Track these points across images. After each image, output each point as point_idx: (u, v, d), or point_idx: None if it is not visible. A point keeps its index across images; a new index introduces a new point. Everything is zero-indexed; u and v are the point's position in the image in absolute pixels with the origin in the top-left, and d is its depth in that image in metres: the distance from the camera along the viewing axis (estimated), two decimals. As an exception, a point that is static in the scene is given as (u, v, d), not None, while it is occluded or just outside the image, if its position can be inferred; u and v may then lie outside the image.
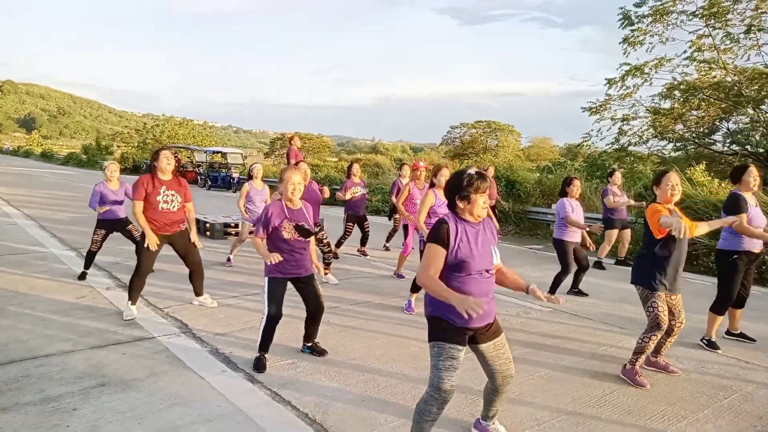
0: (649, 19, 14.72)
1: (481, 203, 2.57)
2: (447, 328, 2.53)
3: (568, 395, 3.58)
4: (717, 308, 4.70)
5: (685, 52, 13.89)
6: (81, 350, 3.97)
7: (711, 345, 4.70)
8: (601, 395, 3.61)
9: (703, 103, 14.98)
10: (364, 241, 8.40)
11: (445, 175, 5.40)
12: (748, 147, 12.80)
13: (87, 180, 22.70)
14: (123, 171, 4.56)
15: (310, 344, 4.11)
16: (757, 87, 12.42)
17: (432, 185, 5.57)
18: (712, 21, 13.16)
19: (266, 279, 3.83)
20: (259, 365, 3.75)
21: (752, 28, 12.34)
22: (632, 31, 14.63)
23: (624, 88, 15.76)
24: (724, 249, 4.70)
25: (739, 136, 13.40)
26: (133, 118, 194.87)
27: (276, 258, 3.61)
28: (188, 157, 28.27)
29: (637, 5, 14.77)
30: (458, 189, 2.58)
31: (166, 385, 3.45)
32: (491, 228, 2.70)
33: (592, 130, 16.42)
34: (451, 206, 2.63)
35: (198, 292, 5.24)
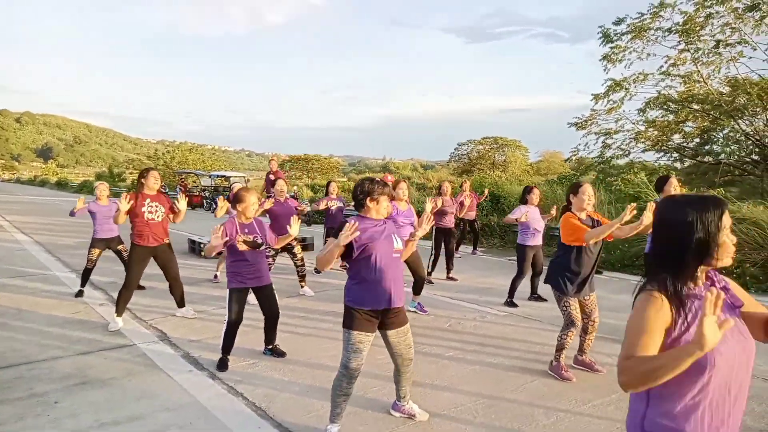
0: (629, 36, 15.24)
1: (385, 204, 3.12)
2: (357, 317, 3.03)
3: (491, 385, 4.04)
4: None
5: (661, 67, 14.37)
6: (69, 356, 4.51)
7: None
8: (521, 384, 4.07)
9: (690, 116, 15.43)
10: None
11: (403, 188, 5.98)
12: (722, 157, 13.22)
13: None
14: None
15: (270, 347, 4.62)
16: (730, 99, 12.85)
17: (391, 198, 6.06)
18: (685, 37, 13.66)
19: (228, 290, 4.35)
20: (222, 365, 4.26)
21: (720, 43, 12.82)
22: (611, 48, 15.16)
23: (609, 102, 16.26)
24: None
25: (714, 146, 13.83)
26: (147, 145, 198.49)
27: (221, 233, 4.09)
28: (194, 182, 29.09)
29: (615, 23, 15.32)
30: (371, 192, 3.13)
31: (138, 383, 3.97)
32: (392, 223, 3.25)
33: (579, 144, 16.90)
34: (360, 207, 3.15)
35: (179, 304, 5.78)
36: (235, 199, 4.46)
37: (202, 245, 10.25)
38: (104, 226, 6.64)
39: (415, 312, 6.01)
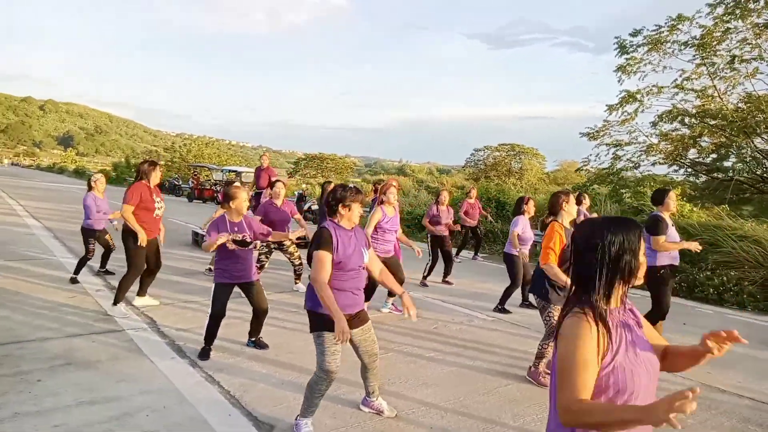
0: (645, 48, 15.15)
1: (357, 211, 3.15)
2: (328, 320, 3.05)
3: (465, 387, 4.08)
4: (653, 320, 5.08)
5: (675, 80, 14.27)
6: (58, 338, 4.64)
7: None
8: (495, 387, 4.11)
9: (706, 131, 15.28)
10: None
11: (393, 192, 5.93)
12: (731, 173, 13.11)
13: (114, 197, 23.85)
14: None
15: (253, 339, 4.71)
16: (745, 116, 12.72)
17: (381, 202, 6.03)
18: (702, 51, 13.56)
19: (214, 284, 4.45)
20: (204, 354, 4.36)
21: (735, 59, 12.71)
22: (626, 59, 15.07)
23: (624, 114, 16.15)
24: (651, 266, 5.13)
25: (725, 163, 13.72)
26: (167, 137, 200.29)
27: (224, 237, 4.25)
28: (206, 176, 29.41)
29: (632, 35, 15.24)
30: (343, 199, 3.16)
31: (121, 367, 4.08)
32: (361, 233, 3.26)
33: (590, 155, 16.81)
34: (332, 213, 3.19)
35: (145, 293, 5.90)
36: (227, 197, 4.55)
37: (205, 238, 10.39)
38: (102, 216, 6.92)
39: (390, 312, 6.11)
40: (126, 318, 5.36)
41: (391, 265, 5.61)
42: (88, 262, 7.02)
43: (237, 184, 4.78)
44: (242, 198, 4.52)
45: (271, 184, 7.28)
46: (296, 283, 7.07)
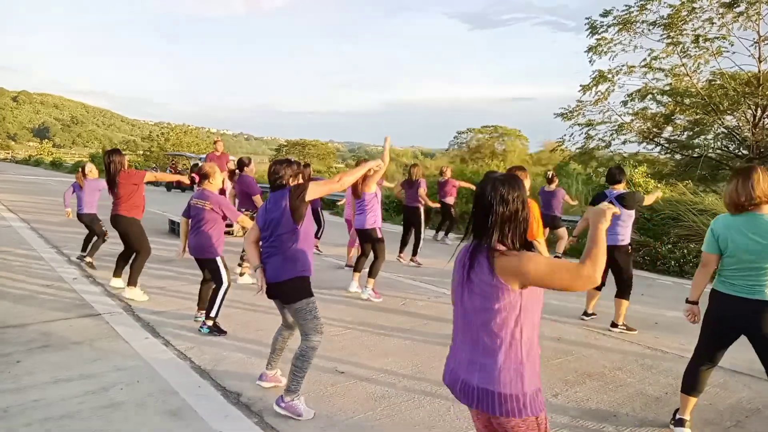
0: (616, 28, 15.43)
1: None
2: (309, 285, 3.32)
3: (422, 356, 4.36)
4: (625, 294, 5.31)
5: (644, 60, 14.60)
6: (37, 323, 4.81)
7: (629, 328, 5.30)
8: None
9: (678, 109, 15.65)
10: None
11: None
12: (699, 150, 13.58)
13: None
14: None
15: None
16: (711, 94, 13.12)
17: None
18: (668, 31, 13.88)
19: (220, 257, 4.84)
20: (220, 330, 4.73)
21: (699, 38, 13.06)
22: (597, 40, 15.36)
23: (597, 94, 16.48)
24: (623, 244, 5.37)
25: (695, 140, 14.17)
26: (145, 127, 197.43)
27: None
28: (185, 165, 29.28)
29: (602, 15, 15.49)
30: (297, 170, 3.46)
31: (97, 348, 4.28)
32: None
33: (565, 135, 17.16)
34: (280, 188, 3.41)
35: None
36: (205, 176, 4.91)
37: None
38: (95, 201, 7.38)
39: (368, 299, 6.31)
40: (104, 303, 5.54)
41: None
42: (68, 251, 7.16)
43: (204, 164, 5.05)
44: (219, 174, 4.84)
45: (231, 173, 7.43)
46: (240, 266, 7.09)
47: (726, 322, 3.05)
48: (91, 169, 7.78)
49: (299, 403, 3.24)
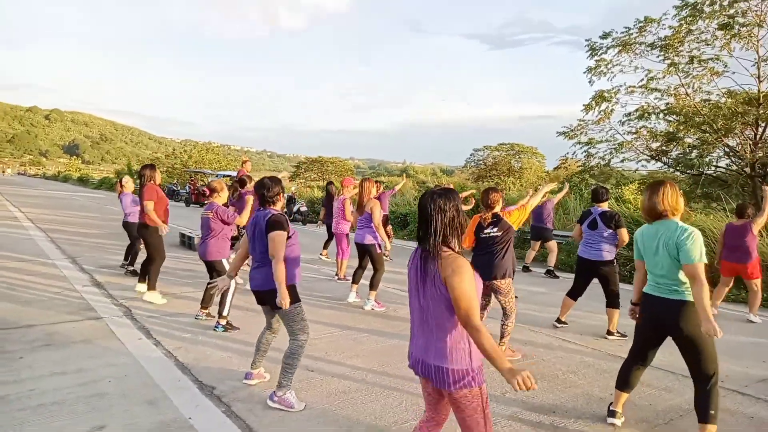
0: (616, 50, 15.67)
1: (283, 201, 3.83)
2: (296, 291, 3.71)
3: (391, 357, 4.67)
4: (615, 304, 5.59)
5: (642, 80, 14.80)
6: (42, 325, 5.27)
7: (622, 335, 5.56)
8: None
9: (682, 128, 15.75)
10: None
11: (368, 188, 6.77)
12: (700, 169, 13.66)
13: (114, 203, 24.61)
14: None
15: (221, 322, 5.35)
16: (708, 115, 13.27)
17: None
18: (665, 52, 14.10)
19: (227, 259, 5.47)
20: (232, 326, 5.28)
21: (694, 59, 13.25)
22: (596, 61, 15.61)
23: (600, 113, 16.67)
24: (608, 259, 5.65)
25: (688, 158, 14.25)
26: (171, 144, 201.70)
27: None
28: (204, 182, 30.10)
29: (602, 37, 15.76)
30: (282, 190, 3.83)
31: (93, 347, 4.70)
32: None
33: (567, 153, 17.36)
34: (271, 203, 3.77)
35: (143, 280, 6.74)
36: (214, 191, 5.69)
37: (193, 238, 11.03)
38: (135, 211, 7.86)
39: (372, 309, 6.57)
40: (107, 307, 5.99)
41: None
42: (80, 260, 7.66)
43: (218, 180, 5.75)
44: (226, 189, 5.79)
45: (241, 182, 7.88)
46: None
47: (652, 321, 3.34)
48: (128, 182, 8.50)
49: (290, 396, 3.61)
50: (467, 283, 2.12)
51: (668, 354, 3.78)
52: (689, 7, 13.81)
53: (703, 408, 3.09)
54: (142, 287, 6.59)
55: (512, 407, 3.75)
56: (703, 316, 2.98)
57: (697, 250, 3.03)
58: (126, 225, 8.24)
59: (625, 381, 3.51)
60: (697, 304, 3.03)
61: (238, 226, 7.46)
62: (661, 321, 3.26)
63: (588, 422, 3.56)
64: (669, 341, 3.29)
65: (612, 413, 3.54)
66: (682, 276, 3.12)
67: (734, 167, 15.03)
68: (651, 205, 3.22)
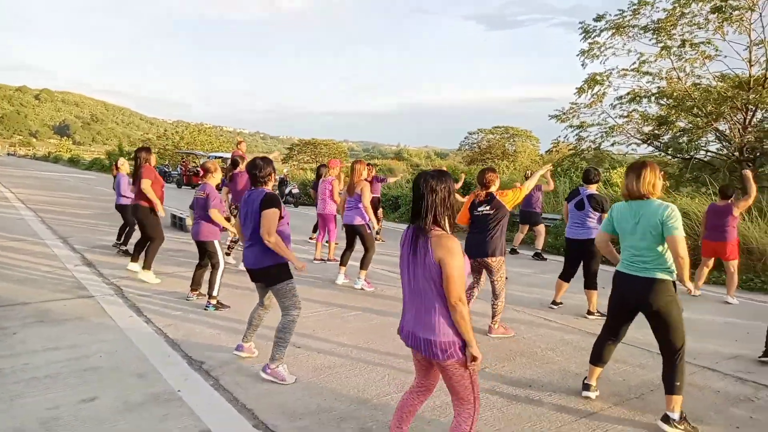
0: (609, 32, 15.68)
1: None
2: (288, 269, 3.82)
3: (376, 334, 4.81)
4: (592, 285, 5.75)
5: (634, 63, 14.86)
6: (35, 303, 5.36)
7: (602, 314, 5.50)
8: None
9: (673, 111, 15.86)
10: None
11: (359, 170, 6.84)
12: (690, 153, 13.85)
13: (105, 184, 24.58)
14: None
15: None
16: (697, 99, 13.38)
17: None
18: (657, 35, 14.15)
19: (217, 242, 5.54)
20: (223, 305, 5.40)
21: (686, 43, 13.32)
22: (590, 44, 15.64)
23: (592, 96, 16.74)
24: (591, 238, 5.73)
25: (678, 142, 14.39)
26: (164, 125, 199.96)
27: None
28: (195, 163, 30.02)
29: (596, 19, 15.76)
30: (274, 170, 3.92)
31: (85, 324, 4.81)
32: None
33: (559, 137, 17.47)
34: (265, 184, 3.88)
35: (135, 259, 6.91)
36: (208, 171, 5.69)
37: (184, 219, 11.10)
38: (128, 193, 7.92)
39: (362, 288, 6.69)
40: (98, 287, 6.09)
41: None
42: (72, 240, 7.74)
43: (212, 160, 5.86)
44: (219, 170, 5.82)
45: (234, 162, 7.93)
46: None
47: (624, 298, 3.48)
48: (123, 163, 8.61)
49: (282, 369, 3.75)
50: (457, 261, 2.26)
51: (645, 333, 3.91)
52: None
53: (670, 380, 3.24)
54: (135, 266, 6.69)
55: (490, 381, 3.90)
56: (683, 278, 3.22)
57: (680, 222, 3.21)
58: (119, 207, 8.28)
59: (598, 356, 3.67)
60: (678, 272, 3.22)
61: (230, 207, 7.55)
62: (633, 298, 3.39)
63: (563, 395, 3.72)
64: (644, 322, 3.42)
65: (586, 387, 3.70)
66: (658, 253, 3.25)
67: (724, 151, 15.20)
68: (632, 187, 3.35)
